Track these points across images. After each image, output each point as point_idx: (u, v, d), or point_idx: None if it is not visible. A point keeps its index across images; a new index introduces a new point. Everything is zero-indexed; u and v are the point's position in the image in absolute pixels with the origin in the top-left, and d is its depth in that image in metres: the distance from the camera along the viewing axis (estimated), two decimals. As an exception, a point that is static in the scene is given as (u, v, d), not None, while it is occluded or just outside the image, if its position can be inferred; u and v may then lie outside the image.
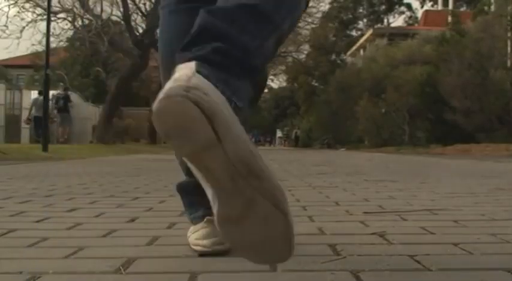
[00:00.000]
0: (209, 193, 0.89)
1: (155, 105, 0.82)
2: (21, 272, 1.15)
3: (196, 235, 1.35)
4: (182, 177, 1.43)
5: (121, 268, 1.19)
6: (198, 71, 0.86)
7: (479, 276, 1.13)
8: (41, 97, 17.24)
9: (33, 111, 17.22)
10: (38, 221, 1.89)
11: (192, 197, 1.40)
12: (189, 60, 0.89)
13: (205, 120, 0.80)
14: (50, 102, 16.69)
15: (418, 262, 1.24)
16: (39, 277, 1.12)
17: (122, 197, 2.68)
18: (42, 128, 16.62)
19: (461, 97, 18.07)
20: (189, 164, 0.88)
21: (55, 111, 17.86)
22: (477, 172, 5.27)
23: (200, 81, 0.83)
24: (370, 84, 25.66)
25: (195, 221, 1.41)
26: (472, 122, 17.84)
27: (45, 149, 10.89)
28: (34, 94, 20.05)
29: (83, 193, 2.88)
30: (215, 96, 0.82)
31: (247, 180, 0.83)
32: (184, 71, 0.86)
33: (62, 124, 17.87)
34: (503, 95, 18.12)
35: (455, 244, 1.44)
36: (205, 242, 1.31)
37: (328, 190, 3.12)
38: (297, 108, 40.73)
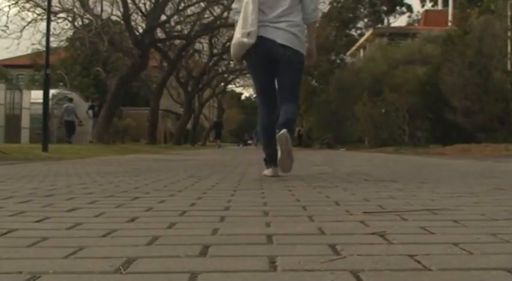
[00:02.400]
0: (279, 154, 3.94)
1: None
2: (21, 272, 1.15)
3: (266, 172, 4.27)
4: (263, 155, 4.32)
5: (121, 268, 1.19)
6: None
7: (479, 276, 1.13)
8: (71, 105, 19.37)
9: (64, 116, 19.60)
10: (38, 221, 1.88)
11: (269, 159, 4.26)
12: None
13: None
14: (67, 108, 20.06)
15: (418, 262, 1.24)
16: (39, 277, 1.12)
17: (121, 197, 2.68)
18: (73, 131, 19.02)
19: (462, 97, 18.06)
20: (279, 149, 3.95)
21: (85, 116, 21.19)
22: (477, 172, 5.27)
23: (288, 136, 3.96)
24: (369, 84, 25.66)
25: (267, 167, 4.28)
26: (472, 122, 17.83)
27: (45, 149, 10.89)
28: (34, 94, 20.26)
29: (82, 193, 2.88)
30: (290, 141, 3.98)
31: (288, 154, 3.94)
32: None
33: (94, 127, 20.48)
34: (503, 95, 18.11)
35: (455, 244, 1.44)
36: (268, 173, 4.23)
37: (328, 189, 3.12)
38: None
